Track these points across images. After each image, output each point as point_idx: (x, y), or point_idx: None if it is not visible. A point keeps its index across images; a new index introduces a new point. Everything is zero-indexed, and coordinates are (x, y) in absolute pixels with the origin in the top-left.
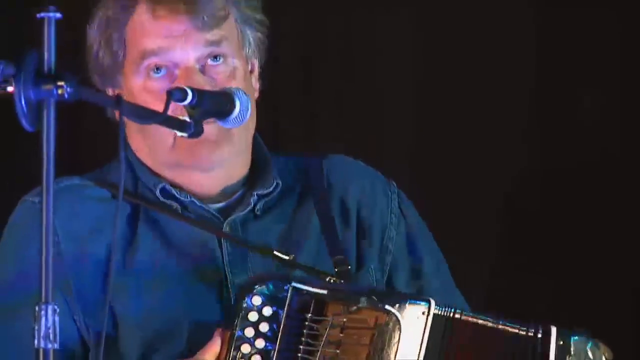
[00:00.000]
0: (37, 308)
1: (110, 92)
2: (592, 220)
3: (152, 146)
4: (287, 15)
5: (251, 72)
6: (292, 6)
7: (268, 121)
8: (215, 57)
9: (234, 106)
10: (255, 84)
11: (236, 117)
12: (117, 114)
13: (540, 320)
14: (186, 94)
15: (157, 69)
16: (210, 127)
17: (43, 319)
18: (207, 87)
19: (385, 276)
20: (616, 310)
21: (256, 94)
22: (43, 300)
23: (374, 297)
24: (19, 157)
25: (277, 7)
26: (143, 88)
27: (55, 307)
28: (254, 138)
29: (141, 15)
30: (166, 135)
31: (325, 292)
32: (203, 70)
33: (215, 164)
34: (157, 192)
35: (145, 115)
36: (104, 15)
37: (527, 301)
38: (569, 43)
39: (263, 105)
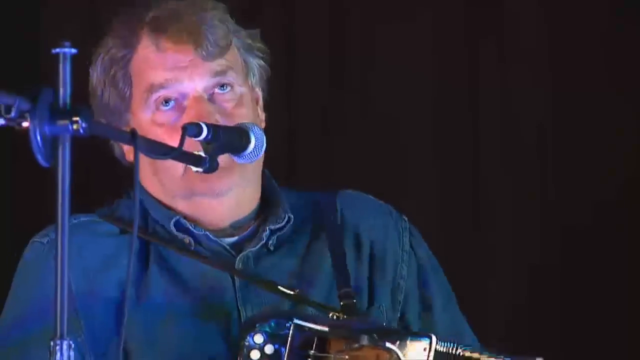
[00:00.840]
0: (52, 343)
1: None
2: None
3: (162, 179)
4: (306, 53)
5: (256, 102)
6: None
7: (284, 158)
8: (222, 86)
9: (249, 141)
10: (261, 115)
11: (251, 152)
12: (126, 153)
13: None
14: (201, 129)
15: (166, 101)
16: (223, 156)
17: (58, 354)
18: (217, 116)
19: (397, 314)
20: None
21: (262, 124)
22: (58, 335)
23: (375, 335)
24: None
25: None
26: (152, 122)
27: (71, 342)
28: (263, 173)
29: (145, 49)
30: (176, 165)
31: (327, 329)
32: (211, 99)
33: (225, 188)
34: (171, 225)
35: (161, 151)
36: (106, 55)
37: (545, 339)
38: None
39: (280, 142)
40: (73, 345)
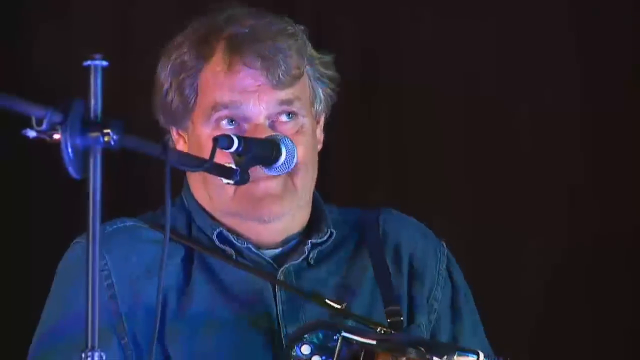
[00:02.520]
0: (83, 355)
1: (174, 132)
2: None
3: (212, 195)
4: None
5: (317, 123)
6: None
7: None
8: (288, 114)
9: (280, 154)
10: (320, 135)
11: (282, 164)
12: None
13: None
14: (232, 141)
15: (231, 121)
16: (276, 181)
17: None
18: None
19: (428, 334)
20: None
21: (320, 145)
22: (89, 346)
23: (422, 349)
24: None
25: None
26: (211, 137)
27: (102, 354)
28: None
29: (217, 66)
30: (227, 185)
31: (374, 342)
32: (272, 125)
33: (276, 217)
34: (214, 236)
35: (192, 163)
36: (178, 59)
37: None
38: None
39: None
40: (104, 357)
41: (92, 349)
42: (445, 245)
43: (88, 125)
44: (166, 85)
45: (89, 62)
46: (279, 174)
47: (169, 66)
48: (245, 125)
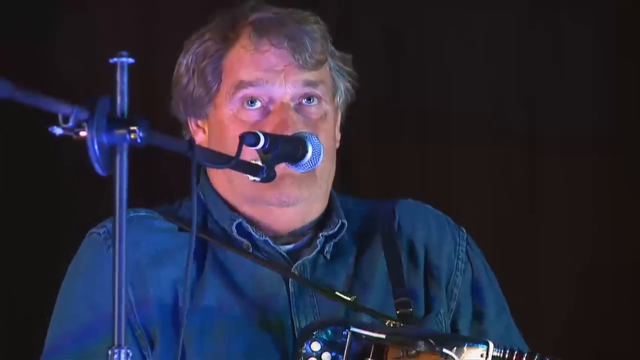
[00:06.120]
0: (109, 352)
1: (192, 122)
2: None
3: (233, 179)
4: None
5: (336, 121)
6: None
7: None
8: (309, 99)
9: (306, 151)
10: (338, 135)
11: (308, 161)
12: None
13: None
14: (259, 138)
15: (252, 101)
16: (290, 169)
17: None
18: (301, 126)
19: (449, 321)
20: None
21: (337, 144)
22: (116, 344)
23: (432, 341)
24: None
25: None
26: (234, 117)
27: (129, 351)
28: None
29: (242, 48)
30: None
31: (383, 336)
32: (297, 108)
33: (295, 200)
34: (233, 228)
35: (218, 160)
36: (200, 47)
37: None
38: None
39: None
40: (131, 354)
41: (119, 347)
42: (464, 231)
43: (114, 122)
44: (188, 75)
45: (115, 60)
46: (305, 171)
47: (191, 54)
48: (271, 106)
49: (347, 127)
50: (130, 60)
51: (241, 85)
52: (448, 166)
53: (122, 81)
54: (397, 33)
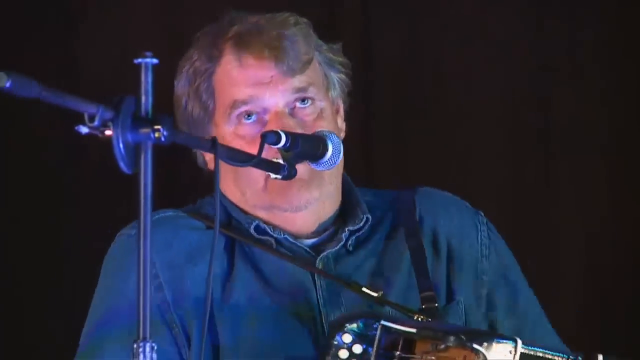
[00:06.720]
0: (134, 345)
1: None
2: None
3: (243, 189)
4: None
5: (337, 112)
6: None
7: (362, 162)
8: (303, 100)
9: (326, 149)
10: (342, 125)
11: (328, 159)
12: (208, 162)
13: None
14: (280, 137)
15: (248, 115)
16: (302, 167)
17: (141, 356)
18: (298, 130)
19: (482, 309)
20: None
21: (342, 134)
22: (140, 337)
23: (462, 336)
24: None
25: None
26: (234, 134)
27: (153, 344)
28: (342, 176)
29: (227, 64)
30: (257, 177)
31: (414, 330)
32: (292, 113)
33: (306, 203)
34: (252, 229)
35: (240, 158)
36: (190, 68)
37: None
38: None
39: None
40: (155, 347)
41: (144, 340)
42: (483, 215)
43: (139, 121)
44: (184, 97)
45: (139, 60)
46: (326, 169)
47: (184, 77)
48: (266, 116)
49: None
50: (154, 60)
51: (235, 105)
52: (464, 165)
53: (146, 81)
54: (415, 37)
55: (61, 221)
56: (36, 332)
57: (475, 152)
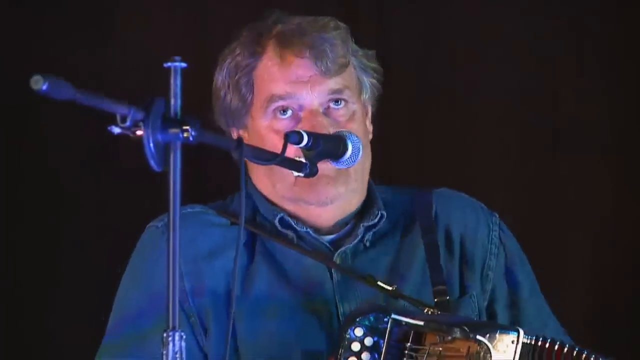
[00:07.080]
0: (164, 334)
1: (234, 132)
2: None
3: (275, 182)
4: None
5: (366, 115)
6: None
7: (380, 161)
8: (337, 102)
9: (346, 149)
10: (369, 126)
11: (348, 158)
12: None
13: None
14: (302, 137)
15: (284, 110)
16: (328, 165)
17: (170, 345)
18: (331, 129)
19: (485, 302)
20: None
21: (370, 136)
22: (170, 326)
23: (467, 328)
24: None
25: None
26: (270, 128)
27: (182, 333)
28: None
29: (269, 60)
30: (288, 172)
31: (422, 323)
32: (326, 112)
33: (332, 198)
34: (276, 221)
35: (264, 157)
36: (232, 61)
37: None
38: None
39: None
40: (185, 337)
41: (173, 329)
42: (497, 216)
43: (168, 122)
44: (224, 89)
45: (169, 64)
46: (346, 167)
47: (225, 70)
48: (301, 113)
49: (384, 121)
50: (183, 64)
51: (272, 99)
52: (466, 164)
53: (175, 84)
54: (430, 37)
55: (61, 221)
56: (36, 332)
57: (479, 151)
